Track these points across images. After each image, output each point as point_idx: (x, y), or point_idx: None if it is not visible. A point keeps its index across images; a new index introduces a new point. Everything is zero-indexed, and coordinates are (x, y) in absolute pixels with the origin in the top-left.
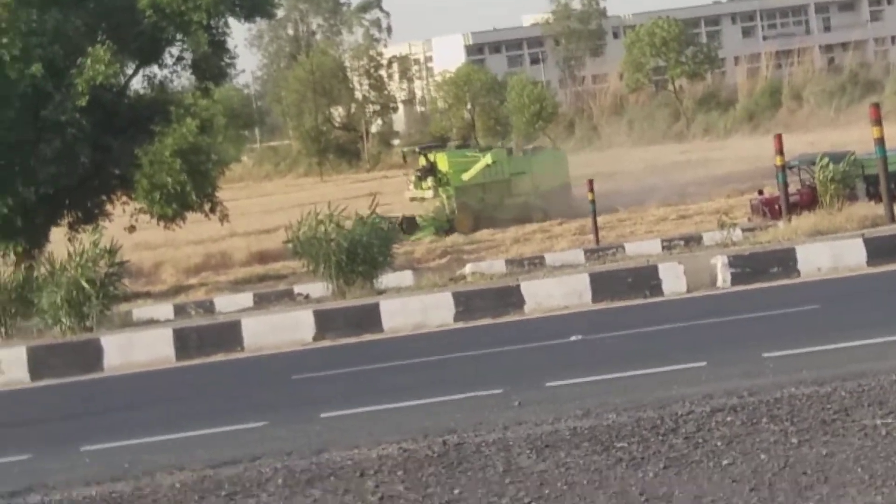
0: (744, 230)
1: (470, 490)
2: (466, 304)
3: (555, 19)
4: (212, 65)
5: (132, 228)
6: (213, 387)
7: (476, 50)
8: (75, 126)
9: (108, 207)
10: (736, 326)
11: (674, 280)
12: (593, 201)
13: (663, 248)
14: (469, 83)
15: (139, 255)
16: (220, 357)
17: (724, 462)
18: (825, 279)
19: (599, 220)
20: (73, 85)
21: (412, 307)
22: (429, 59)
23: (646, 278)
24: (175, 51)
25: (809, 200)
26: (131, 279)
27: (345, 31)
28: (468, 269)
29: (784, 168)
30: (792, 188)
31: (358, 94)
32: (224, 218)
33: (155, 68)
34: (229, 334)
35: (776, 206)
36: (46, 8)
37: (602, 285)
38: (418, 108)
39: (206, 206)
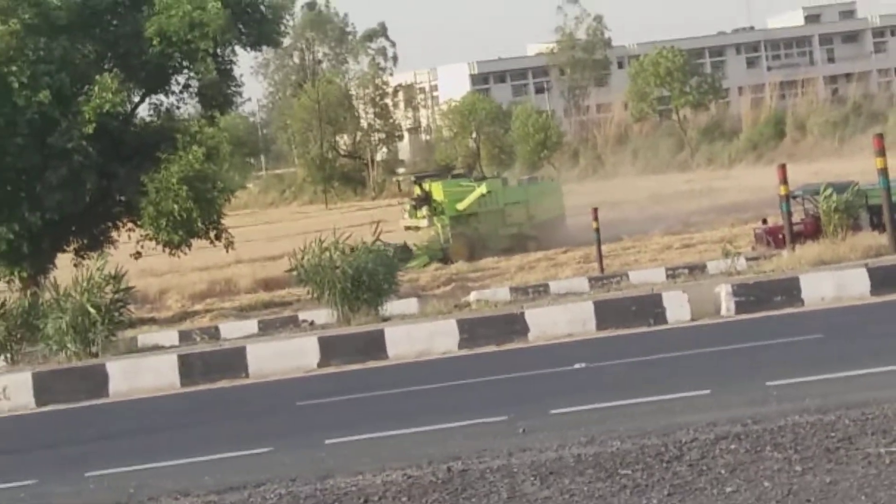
0: (748, 259)
1: None
2: (471, 331)
3: (559, 49)
4: (218, 93)
5: (138, 255)
6: (218, 413)
7: (481, 79)
8: (82, 153)
9: (114, 234)
10: (740, 355)
11: (678, 308)
12: (598, 230)
13: (667, 276)
14: (474, 112)
15: (145, 282)
16: (224, 383)
17: (728, 490)
18: (829, 308)
19: (604, 248)
20: (80, 112)
21: (417, 334)
22: (434, 87)
23: (650, 306)
24: (181, 79)
25: (813, 230)
26: (137, 305)
27: (350, 59)
28: (473, 296)
29: (788, 198)
30: (796, 218)
31: (363, 123)
32: (229, 245)
33: (161, 96)
34: (234, 361)
35: (780, 236)
36: (55, 36)
37: (606, 313)
38: (423, 137)
39: (212, 233)
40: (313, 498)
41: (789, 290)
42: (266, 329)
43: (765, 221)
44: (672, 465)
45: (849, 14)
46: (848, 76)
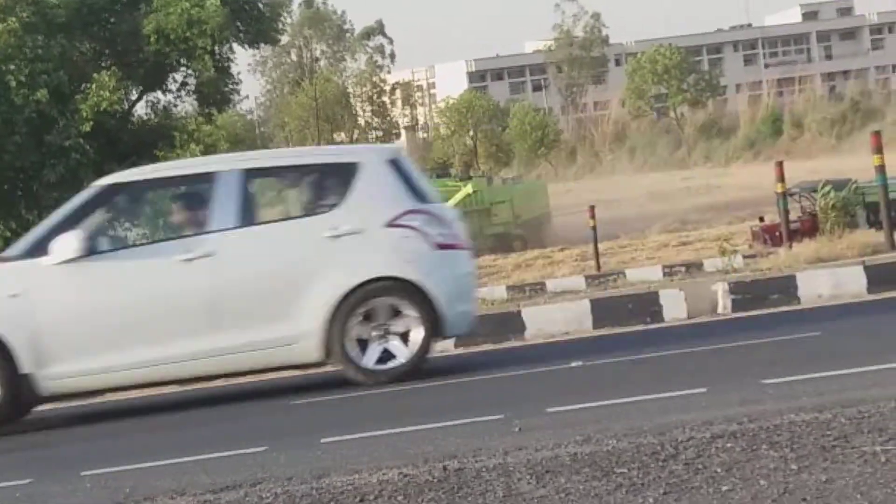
0: (745, 257)
1: None
2: None
3: (557, 46)
4: (215, 90)
5: None
6: (214, 411)
7: (478, 77)
8: (79, 151)
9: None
10: (736, 353)
11: (675, 306)
12: (595, 227)
13: (664, 274)
14: (471, 110)
15: None
16: (220, 382)
17: (724, 488)
18: (826, 306)
19: (601, 246)
20: (78, 110)
21: None
22: (431, 85)
23: (647, 304)
24: (179, 76)
25: (810, 228)
26: None
27: (348, 57)
28: None
29: (785, 195)
30: (793, 215)
31: (361, 121)
32: None
33: (159, 94)
34: None
35: (777, 234)
36: (53, 34)
37: (603, 311)
38: (421, 135)
39: None
40: (309, 497)
41: (786, 287)
42: None
43: (762, 219)
44: (668, 464)
45: (846, 11)
46: (845, 73)
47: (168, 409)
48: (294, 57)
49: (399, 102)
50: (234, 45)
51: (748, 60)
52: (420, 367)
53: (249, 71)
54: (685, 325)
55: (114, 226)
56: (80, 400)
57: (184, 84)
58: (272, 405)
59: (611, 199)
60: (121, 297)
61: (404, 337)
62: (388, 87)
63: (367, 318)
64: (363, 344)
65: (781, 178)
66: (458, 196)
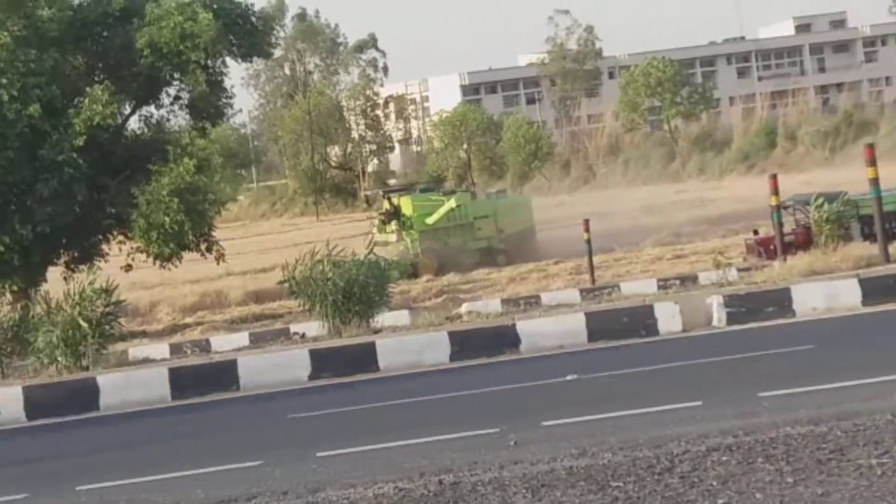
0: (739, 270)
1: None
2: (462, 343)
3: (550, 59)
4: (209, 104)
5: (129, 267)
6: (209, 426)
7: (472, 90)
8: (72, 165)
9: (105, 247)
10: (731, 366)
11: (669, 320)
12: (589, 241)
13: (659, 287)
14: (465, 123)
15: (136, 295)
16: (215, 396)
17: (720, 501)
18: (820, 319)
19: (595, 259)
20: (71, 125)
21: (408, 346)
22: (425, 98)
23: (641, 318)
24: (172, 90)
25: (804, 240)
26: (127, 318)
27: (342, 70)
28: (464, 308)
29: (779, 208)
30: (787, 228)
31: (354, 134)
32: (220, 257)
33: (152, 108)
34: (225, 373)
35: (771, 246)
36: (45, 48)
37: (598, 325)
38: (414, 148)
39: (203, 246)
40: None
41: (781, 300)
42: (257, 342)
43: (756, 232)
44: (664, 478)
45: (839, 24)
46: (839, 86)
47: (163, 424)
48: (287, 70)
49: (393, 116)
50: (228, 59)
51: (741, 73)
52: None
53: (243, 85)
54: (680, 338)
55: None
56: (75, 413)
57: (177, 98)
58: (268, 419)
59: (605, 212)
60: None
61: None
62: (381, 101)
63: None
64: None
65: (775, 191)
66: (442, 210)
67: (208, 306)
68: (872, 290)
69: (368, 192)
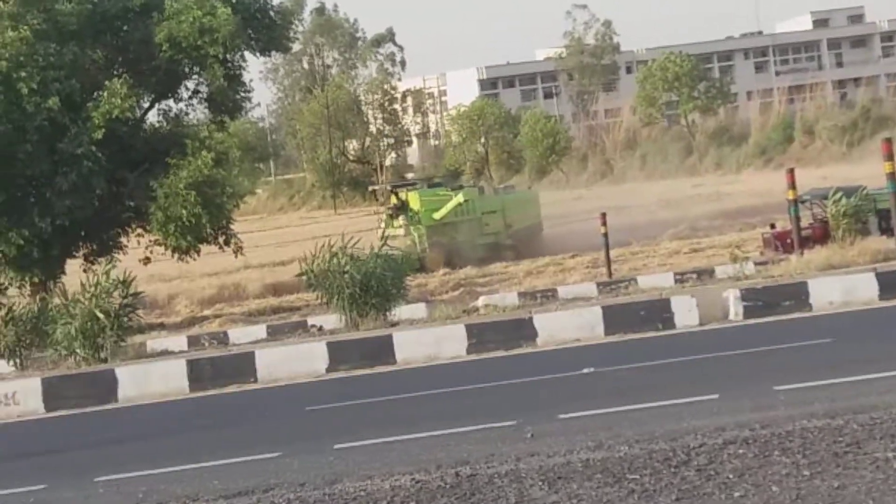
0: (756, 264)
1: None
2: (479, 336)
3: (568, 54)
4: (227, 98)
5: (147, 260)
6: (227, 418)
7: (490, 84)
8: (91, 159)
9: (123, 239)
10: (748, 359)
11: (686, 313)
12: (606, 234)
13: (676, 281)
14: (483, 117)
15: (154, 287)
16: (233, 388)
17: (736, 494)
18: (837, 313)
19: (612, 253)
20: (90, 118)
21: (425, 339)
22: (443, 92)
23: (658, 311)
24: (191, 84)
25: (821, 235)
26: (146, 311)
27: (359, 64)
28: (481, 301)
29: (796, 202)
30: (804, 222)
31: (372, 128)
32: (238, 250)
33: (171, 102)
34: (243, 366)
35: (788, 241)
36: (64, 42)
37: (615, 318)
38: (432, 142)
39: (221, 239)
40: (322, 503)
41: (798, 294)
42: (275, 334)
43: (773, 226)
44: (680, 470)
45: (857, 19)
46: (856, 80)
47: (181, 416)
48: (306, 65)
49: (410, 110)
50: (246, 53)
51: (759, 68)
52: None
53: (261, 79)
54: (697, 332)
55: None
56: (93, 405)
57: (196, 92)
58: (285, 411)
59: (622, 206)
60: None
61: None
62: (399, 95)
63: None
64: None
65: (792, 186)
66: (450, 205)
67: (226, 299)
68: (889, 284)
69: (376, 188)
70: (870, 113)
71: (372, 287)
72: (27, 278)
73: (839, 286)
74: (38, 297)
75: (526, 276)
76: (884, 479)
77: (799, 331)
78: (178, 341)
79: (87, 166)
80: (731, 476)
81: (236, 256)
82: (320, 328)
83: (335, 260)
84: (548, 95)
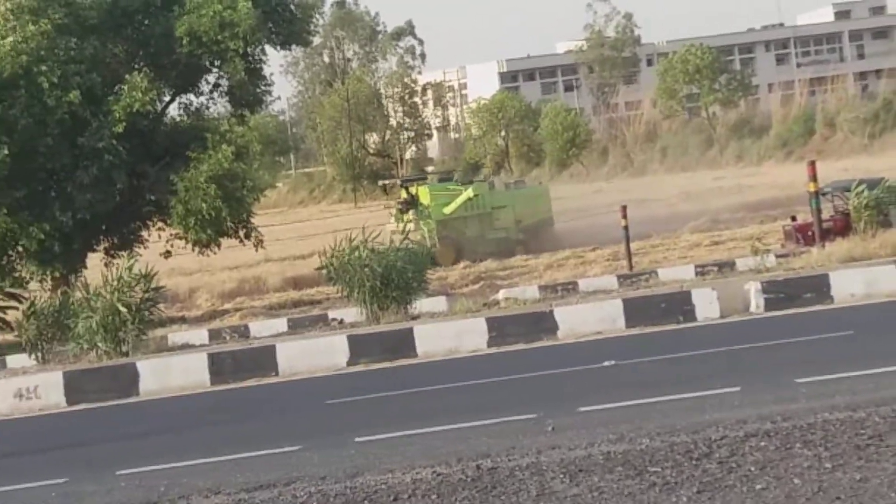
0: (777, 256)
1: None
2: (500, 329)
3: (588, 47)
4: (247, 92)
5: (168, 254)
6: (248, 411)
7: (510, 77)
8: (112, 152)
9: (144, 233)
10: (769, 352)
11: (707, 306)
12: (626, 227)
13: (697, 273)
14: (503, 110)
15: (175, 281)
16: (254, 381)
17: (758, 487)
18: (859, 305)
19: (633, 245)
20: (111, 112)
21: (446, 332)
22: (463, 85)
23: (679, 304)
24: (211, 78)
25: (843, 227)
26: (167, 304)
27: (380, 58)
28: (501, 294)
29: (817, 194)
30: (825, 215)
31: (392, 121)
32: (259, 244)
33: (191, 96)
34: (264, 359)
35: (810, 233)
36: (85, 36)
37: (635, 311)
38: (452, 135)
39: (241, 232)
40: (343, 496)
41: (819, 287)
42: (295, 328)
43: (794, 218)
44: (701, 463)
45: (879, 10)
46: (878, 72)
47: (202, 409)
48: (326, 58)
49: (431, 103)
50: (266, 47)
51: (780, 60)
52: None
53: (281, 72)
54: (718, 325)
55: None
56: (115, 398)
57: (216, 86)
58: (306, 404)
59: (643, 199)
60: None
61: None
62: (419, 88)
63: None
64: None
65: (814, 178)
66: (459, 200)
67: (247, 292)
68: None
69: (386, 182)
70: (891, 105)
71: (392, 280)
72: (48, 272)
73: (861, 278)
74: (59, 291)
75: (546, 269)
76: None
77: (820, 323)
78: (199, 335)
79: (108, 160)
80: (752, 468)
81: (257, 250)
82: (341, 321)
83: (356, 253)
84: (568, 88)
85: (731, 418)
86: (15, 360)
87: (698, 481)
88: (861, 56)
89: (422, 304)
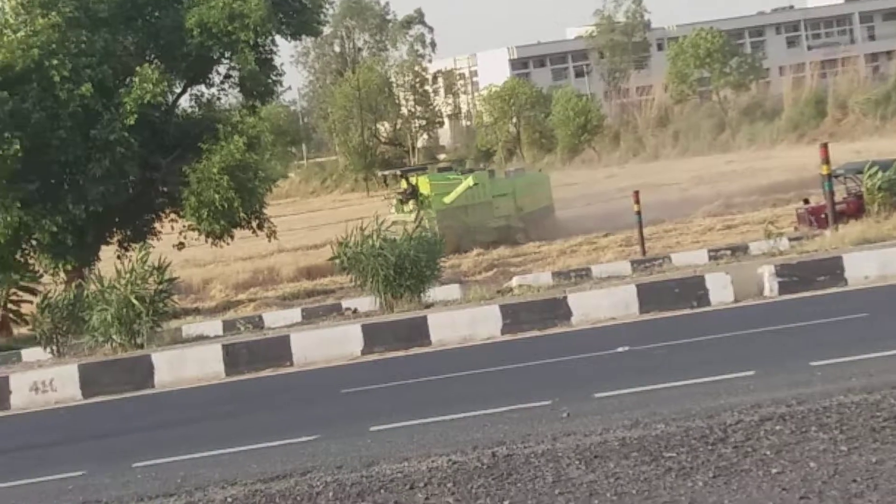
0: (790, 239)
1: (520, 501)
2: (514, 316)
3: (599, 32)
4: (258, 83)
5: (181, 245)
6: (263, 401)
7: (521, 64)
8: (124, 145)
9: (157, 225)
10: (783, 335)
11: (721, 290)
12: (639, 212)
13: (710, 258)
14: (514, 97)
15: (188, 272)
16: (269, 372)
17: (774, 471)
18: (873, 287)
19: (646, 231)
20: (122, 104)
21: (459, 320)
22: (474, 73)
23: (693, 288)
24: (222, 69)
25: (856, 209)
26: (181, 296)
27: (390, 46)
28: (515, 281)
29: (830, 177)
30: (838, 197)
31: (404, 110)
32: (271, 234)
33: (202, 87)
34: (278, 349)
35: (823, 215)
36: (96, 29)
37: (649, 296)
38: (464, 123)
39: (254, 223)
40: (359, 485)
41: (832, 269)
42: (309, 317)
43: (807, 201)
44: (717, 448)
45: None
46: (889, 54)
47: (217, 400)
48: (336, 48)
49: (441, 91)
50: (277, 38)
51: (791, 42)
52: None
53: (292, 62)
54: (732, 309)
55: None
56: (130, 390)
57: (227, 77)
58: (321, 394)
59: (655, 184)
60: None
61: None
62: (430, 76)
63: None
64: None
65: (826, 160)
66: (459, 189)
67: (260, 283)
68: None
69: (386, 173)
70: None
71: (406, 269)
72: (62, 265)
73: (874, 260)
74: (73, 284)
75: (559, 255)
76: None
77: (834, 306)
78: (214, 326)
79: (121, 152)
80: (768, 452)
81: (270, 240)
82: (355, 311)
83: (368, 242)
84: (579, 74)
85: (747, 402)
86: (30, 354)
87: (714, 466)
88: (872, 37)
89: (435, 293)
